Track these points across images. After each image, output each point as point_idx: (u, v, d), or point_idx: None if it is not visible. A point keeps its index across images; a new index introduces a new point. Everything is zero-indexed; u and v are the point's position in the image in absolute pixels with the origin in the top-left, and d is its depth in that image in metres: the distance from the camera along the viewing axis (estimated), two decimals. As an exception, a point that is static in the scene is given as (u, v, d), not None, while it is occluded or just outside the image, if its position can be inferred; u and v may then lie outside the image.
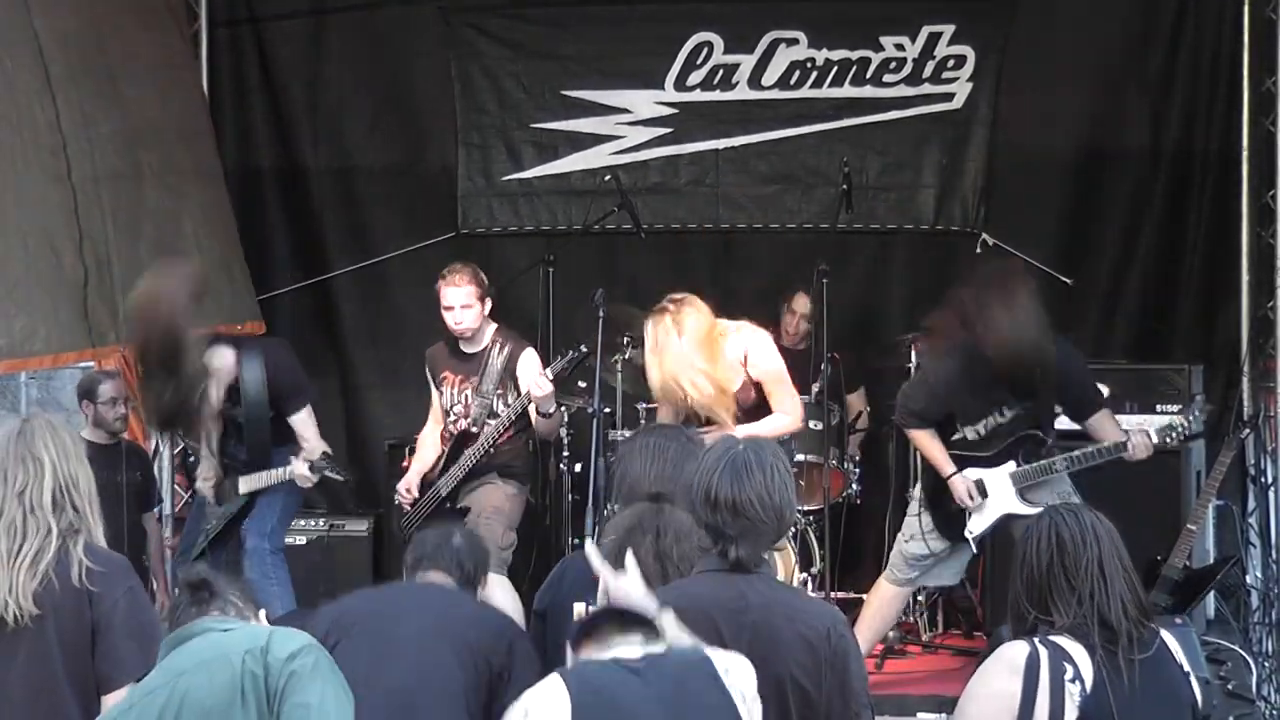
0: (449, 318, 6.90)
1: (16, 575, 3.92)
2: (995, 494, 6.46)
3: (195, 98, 8.21)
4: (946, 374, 6.48)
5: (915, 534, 6.63)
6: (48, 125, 6.95)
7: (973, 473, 6.47)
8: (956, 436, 6.52)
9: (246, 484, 6.87)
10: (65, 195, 7.08)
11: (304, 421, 6.82)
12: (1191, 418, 6.57)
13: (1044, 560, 3.51)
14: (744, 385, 6.47)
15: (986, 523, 6.49)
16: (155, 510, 7.74)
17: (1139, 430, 6.40)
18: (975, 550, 6.61)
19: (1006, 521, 6.46)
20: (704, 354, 6.30)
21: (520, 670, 4.31)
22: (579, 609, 4.18)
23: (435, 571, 4.61)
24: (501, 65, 8.84)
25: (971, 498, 6.43)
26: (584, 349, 6.77)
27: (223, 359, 6.75)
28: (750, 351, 6.48)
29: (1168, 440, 6.44)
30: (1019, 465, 6.42)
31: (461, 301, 6.84)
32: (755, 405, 6.51)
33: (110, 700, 3.92)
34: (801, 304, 7.96)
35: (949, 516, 6.55)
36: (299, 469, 6.70)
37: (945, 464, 6.51)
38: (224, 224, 8.33)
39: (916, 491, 6.78)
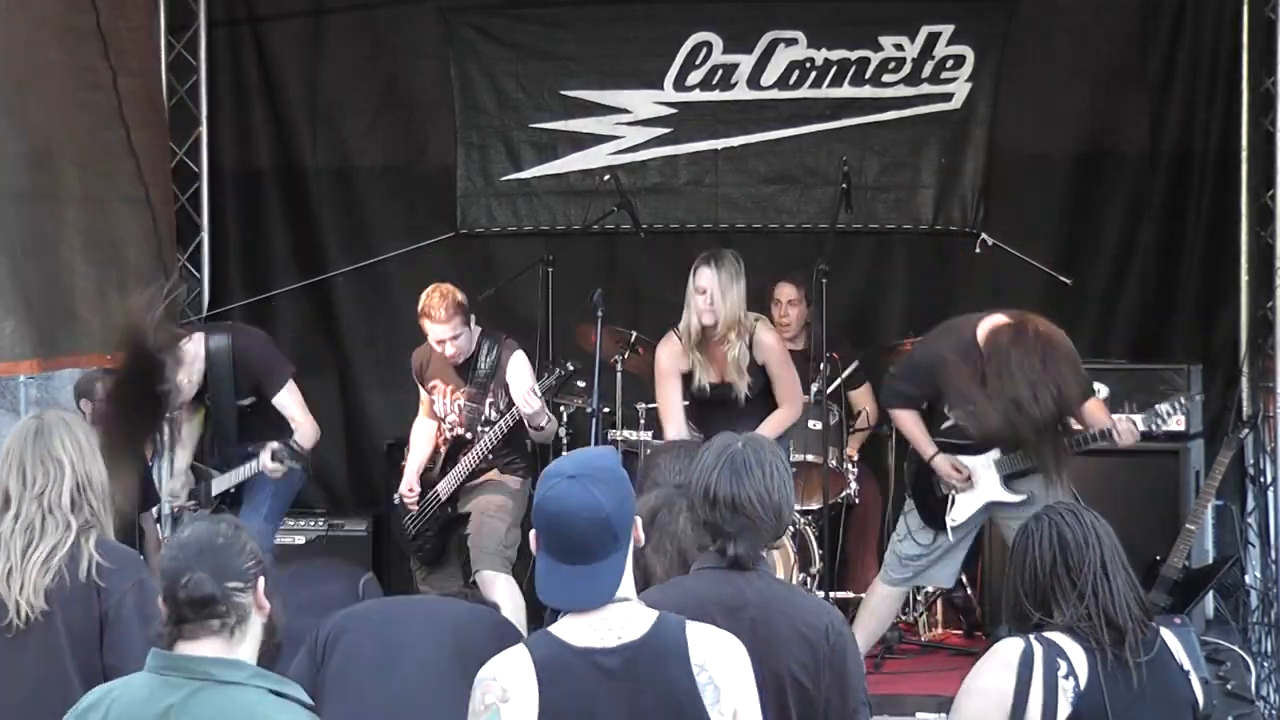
0: (439, 349, 6.90)
1: (29, 573, 3.93)
2: (979, 481, 6.44)
3: (111, 123, 7.87)
4: (938, 353, 6.44)
5: (906, 532, 6.64)
6: None
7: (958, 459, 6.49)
8: (945, 425, 6.52)
9: (218, 485, 6.85)
10: (4, 206, 7.03)
11: (288, 400, 6.78)
12: (1178, 404, 6.56)
13: (1046, 561, 3.51)
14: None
15: (969, 510, 6.47)
16: (153, 510, 7.73)
17: (1125, 418, 6.39)
18: (951, 538, 6.54)
19: (990, 510, 6.45)
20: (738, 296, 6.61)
21: None
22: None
23: None
24: (500, 65, 8.84)
25: (958, 471, 6.41)
26: (570, 367, 6.75)
27: (192, 345, 6.73)
28: (759, 335, 6.67)
29: (1153, 426, 6.43)
30: (1004, 453, 6.41)
31: (448, 335, 6.83)
32: (756, 395, 6.58)
33: None
34: (785, 291, 7.99)
35: (933, 504, 6.54)
36: (264, 460, 6.61)
37: (927, 445, 6.52)
38: (132, 248, 8.00)
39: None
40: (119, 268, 7.80)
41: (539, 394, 6.67)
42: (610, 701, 3.09)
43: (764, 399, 6.76)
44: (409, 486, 7.07)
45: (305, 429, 6.77)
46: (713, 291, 6.61)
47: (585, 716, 3.09)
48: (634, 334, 7.77)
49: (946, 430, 6.54)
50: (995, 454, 6.41)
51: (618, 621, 3.15)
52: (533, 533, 3.22)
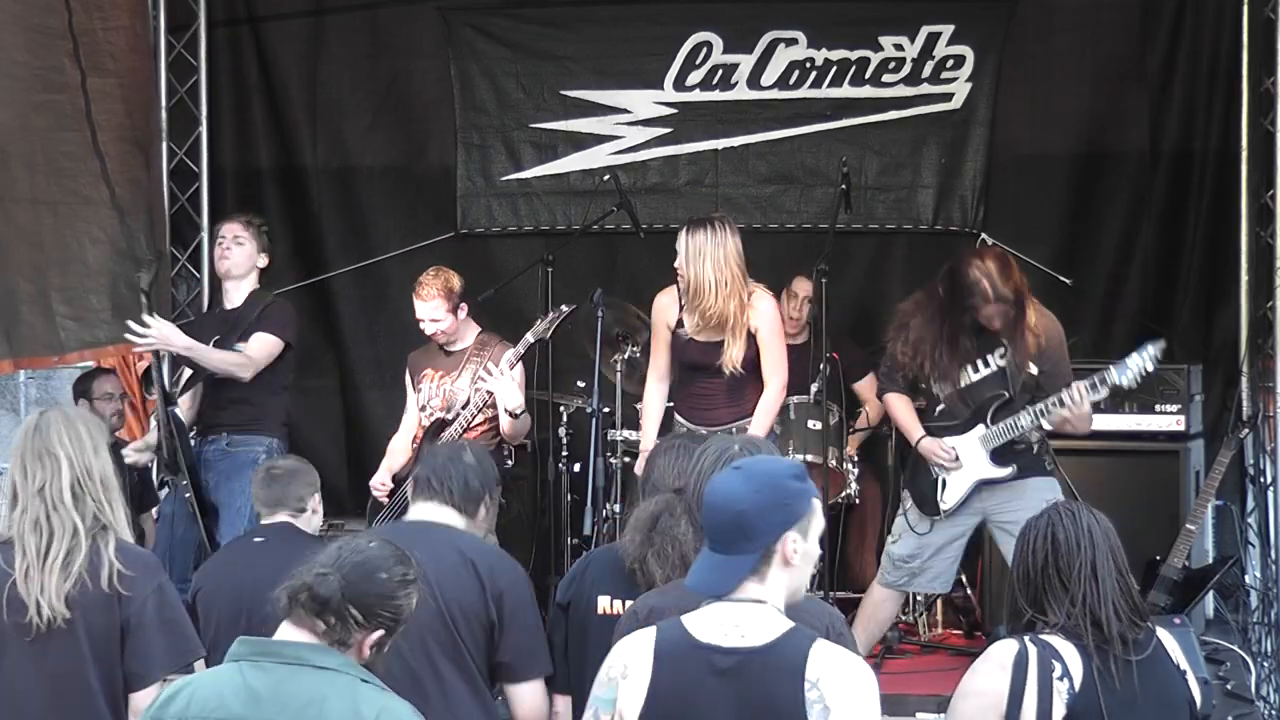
0: (422, 326, 7.03)
1: (49, 576, 3.95)
2: (967, 460, 6.46)
3: (74, 124, 7.66)
4: (918, 328, 6.53)
5: (899, 533, 6.65)
6: None
7: (945, 440, 6.52)
8: (938, 409, 6.57)
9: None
10: None
11: (258, 344, 6.90)
12: (1122, 371, 6.21)
13: (1039, 560, 3.54)
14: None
15: (960, 491, 6.47)
16: (153, 511, 7.73)
17: (1075, 385, 6.26)
18: (942, 532, 6.52)
19: (981, 493, 6.44)
20: (737, 268, 6.54)
21: (513, 618, 4.43)
22: (603, 603, 4.27)
23: (432, 502, 4.61)
24: (500, 65, 8.84)
25: (945, 452, 6.43)
26: (565, 308, 6.87)
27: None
28: (758, 304, 6.63)
29: (1097, 387, 6.25)
30: (988, 428, 6.43)
31: (429, 315, 6.98)
32: (749, 367, 6.64)
33: (140, 699, 3.93)
34: (802, 286, 7.98)
35: (926, 491, 6.55)
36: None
37: (915, 429, 6.58)
38: (91, 249, 7.78)
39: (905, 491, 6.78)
40: (74, 270, 7.70)
41: (516, 360, 6.81)
42: (714, 698, 3.17)
43: (750, 377, 6.71)
44: (380, 481, 7.09)
45: (238, 361, 6.83)
46: (681, 255, 6.61)
47: (687, 706, 3.17)
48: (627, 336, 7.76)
49: (938, 416, 6.57)
50: (981, 429, 6.43)
51: (749, 624, 3.21)
52: None
